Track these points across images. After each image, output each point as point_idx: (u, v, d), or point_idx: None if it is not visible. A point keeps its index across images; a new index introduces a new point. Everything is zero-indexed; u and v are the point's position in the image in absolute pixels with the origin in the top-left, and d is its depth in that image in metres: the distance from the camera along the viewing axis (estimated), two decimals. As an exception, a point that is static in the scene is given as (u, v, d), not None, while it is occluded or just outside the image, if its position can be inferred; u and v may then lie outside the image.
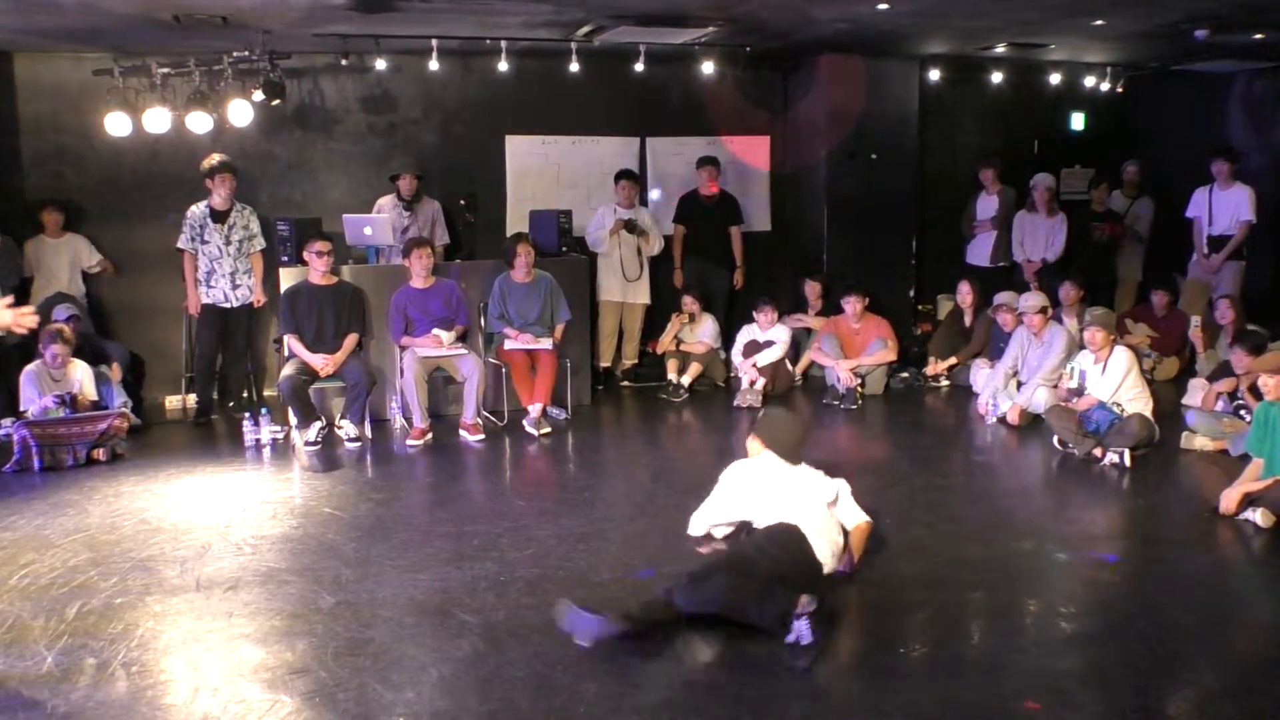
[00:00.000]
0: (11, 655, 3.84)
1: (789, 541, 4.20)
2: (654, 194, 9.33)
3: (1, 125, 7.91)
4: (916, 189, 9.49)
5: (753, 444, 4.68)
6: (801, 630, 3.67)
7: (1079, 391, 6.65)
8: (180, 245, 7.60)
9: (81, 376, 6.78)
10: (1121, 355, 6.63)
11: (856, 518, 4.60)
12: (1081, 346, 7.04)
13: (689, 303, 8.62)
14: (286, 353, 7.15)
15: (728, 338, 8.74)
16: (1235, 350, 6.73)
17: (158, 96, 7.62)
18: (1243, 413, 6.44)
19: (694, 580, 3.94)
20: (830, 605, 3.91)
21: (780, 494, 4.43)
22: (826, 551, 4.29)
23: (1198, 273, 9.01)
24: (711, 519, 4.67)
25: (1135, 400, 6.53)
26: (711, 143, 9.34)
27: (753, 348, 8.34)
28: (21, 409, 6.63)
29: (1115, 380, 6.54)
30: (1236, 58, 8.96)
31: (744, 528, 4.58)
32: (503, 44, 7.86)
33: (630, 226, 8.45)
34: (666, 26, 7.36)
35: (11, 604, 4.31)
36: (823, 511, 4.44)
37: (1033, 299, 7.53)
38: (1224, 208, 8.74)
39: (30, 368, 6.70)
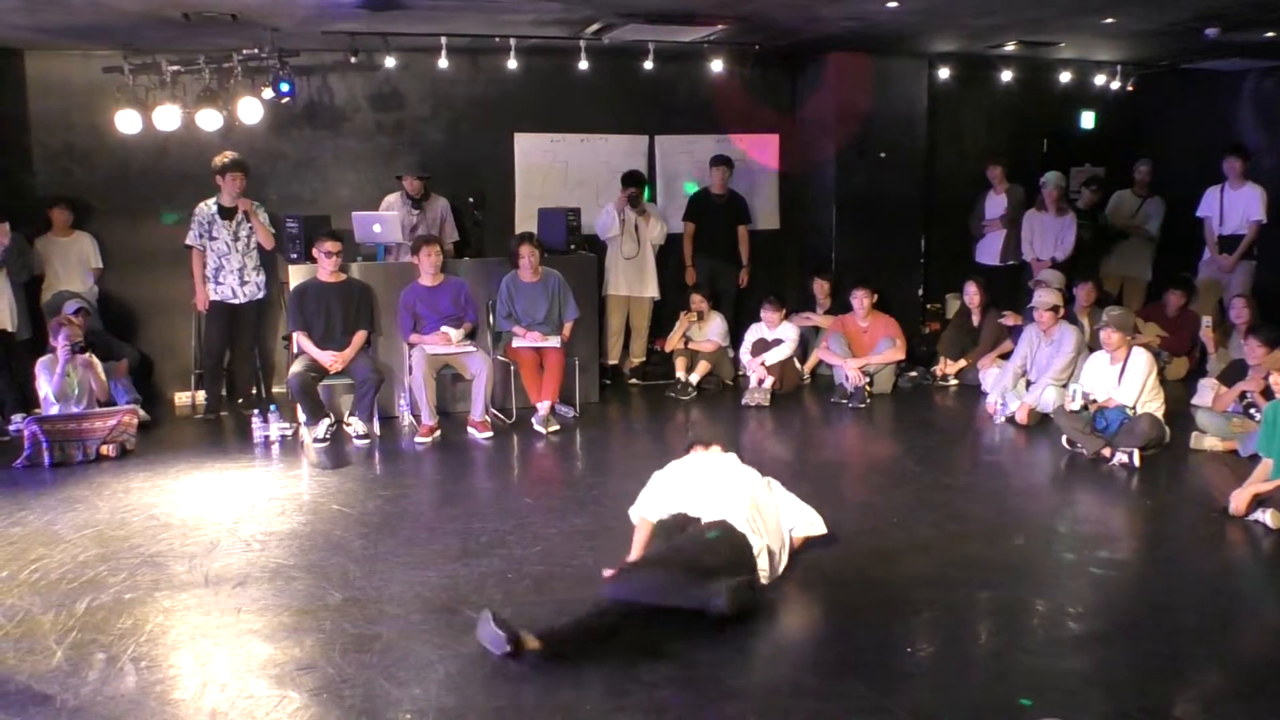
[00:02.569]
0: (21, 649, 3.86)
1: (727, 538, 4.19)
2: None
3: (12, 123, 7.94)
4: (925, 187, 9.47)
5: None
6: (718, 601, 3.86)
7: (1080, 410, 6.56)
8: (188, 242, 7.64)
9: (94, 373, 6.81)
10: (1141, 358, 6.56)
11: (803, 521, 4.66)
12: (1092, 347, 7.02)
13: (698, 301, 8.62)
14: (295, 349, 7.17)
15: (736, 336, 8.74)
16: (1250, 340, 6.70)
17: (167, 94, 7.66)
18: (1252, 412, 6.41)
19: (627, 571, 3.96)
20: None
21: (715, 484, 4.44)
22: (762, 549, 4.27)
23: (1209, 272, 8.98)
24: (650, 508, 4.57)
25: (1149, 402, 6.50)
26: (720, 141, 9.34)
27: (761, 346, 8.34)
28: (41, 397, 6.66)
29: (1137, 385, 6.47)
30: (1246, 56, 8.92)
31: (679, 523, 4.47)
32: (512, 42, 7.86)
33: (634, 200, 8.46)
34: (675, 24, 7.36)
35: (21, 599, 4.34)
36: (757, 505, 4.44)
37: (1046, 296, 7.51)
38: (1235, 207, 8.71)
39: (43, 359, 6.75)
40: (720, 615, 3.85)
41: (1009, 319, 8.44)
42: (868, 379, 8.15)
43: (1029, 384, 7.47)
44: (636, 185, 8.55)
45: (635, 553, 4.43)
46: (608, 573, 4.34)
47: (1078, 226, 9.17)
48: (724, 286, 9.00)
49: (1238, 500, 5.22)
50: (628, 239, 8.58)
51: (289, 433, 7.03)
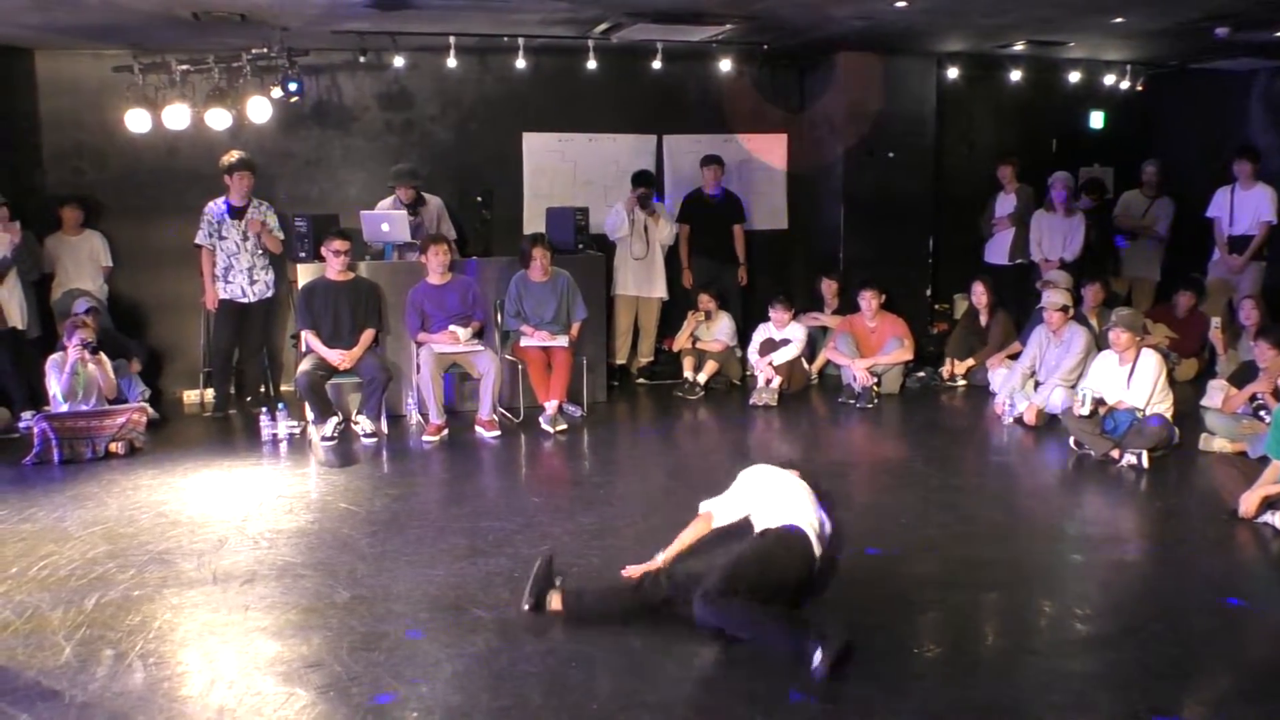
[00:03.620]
0: (30, 645, 3.88)
1: (795, 546, 4.17)
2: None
3: (22, 122, 7.97)
4: (933, 187, 9.45)
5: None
6: (818, 667, 3.61)
7: (1090, 415, 6.53)
8: (198, 241, 7.66)
9: (103, 371, 6.83)
10: (1150, 360, 6.52)
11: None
12: (1100, 348, 6.99)
13: (705, 300, 8.61)
14: (303, 348, 7.19)
15: (744, 336, 8.74)
16: (1260, 342, 6.68)
17: (177, 93, 7.69)
18: (1262, 414, 6.39)
19: (713, 597, 3.80)
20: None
21: (786, 494, 4.43)
22: (818, 550, 4.30)
23: (1218, 273, 8.95)
24: (731, 513, 4.56)
25: (1158, 403, 6.47)
26: (728, 140, 9.34)
27: (769, 346, 8.33)
28: (50, 395, 6.68)
29: (1147, 387, 6.43)
30: (1257, 55, 8.88)
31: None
32: (520, 41, 7.87)
33: (644, 200, 8.48)
34: (684, 24, 7.35)
35: (30, 595, 4.36)
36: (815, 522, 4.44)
37: (1055, 297, 7.48)
38: (1245, 208, 8.67)
39: (54, 356, 6.77)
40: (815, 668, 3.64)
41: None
42: (875, 379, 8.14)
43: (1037, 384, 7.45)
44: (647, 185, 8.54)
45: (678, 545, 4.42)
46: (630, 570, 4.34)
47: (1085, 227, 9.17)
48: (725, 286, 8.97)
49: (1247, 502, 5.20)
50: (637, 239, 8.58)
51: (297, 431, 7.04)
